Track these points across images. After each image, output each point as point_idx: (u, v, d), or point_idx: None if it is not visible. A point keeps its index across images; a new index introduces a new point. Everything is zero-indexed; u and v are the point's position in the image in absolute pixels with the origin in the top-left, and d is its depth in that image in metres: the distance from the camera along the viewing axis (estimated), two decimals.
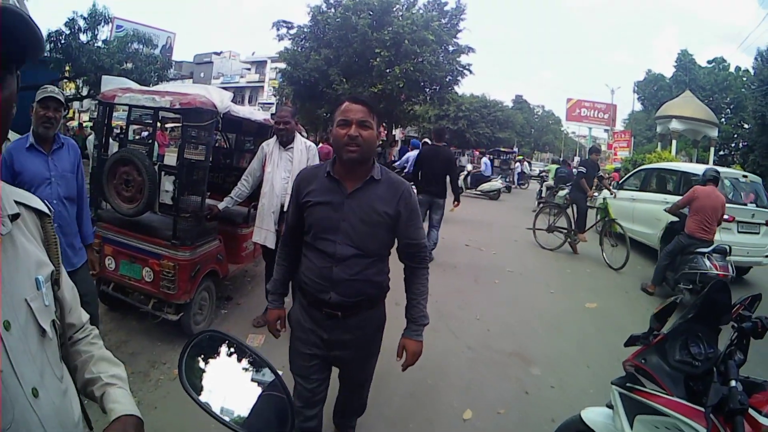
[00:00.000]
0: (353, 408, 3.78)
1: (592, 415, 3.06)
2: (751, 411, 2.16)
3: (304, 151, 5.59)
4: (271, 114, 7.63)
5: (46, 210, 1.47)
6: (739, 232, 10.29)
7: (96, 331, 1.71)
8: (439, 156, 9.59)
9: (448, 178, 9.69)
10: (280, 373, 1.47)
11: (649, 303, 7.90)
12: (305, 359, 3.05)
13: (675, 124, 29.09)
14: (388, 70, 26.40)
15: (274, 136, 5.59)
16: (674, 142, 30.02)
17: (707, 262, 7.84)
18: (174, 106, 5.00)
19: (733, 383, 2.19)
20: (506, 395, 4.98)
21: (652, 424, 2.46)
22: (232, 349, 1.55)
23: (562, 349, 6.17)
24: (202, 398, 1.45)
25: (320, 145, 12.79)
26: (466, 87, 49.27)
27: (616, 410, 2.73)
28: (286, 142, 5.52)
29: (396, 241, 2.98)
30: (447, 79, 29.80)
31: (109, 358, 1.67)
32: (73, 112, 33.37)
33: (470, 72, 29.79)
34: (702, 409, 2.23)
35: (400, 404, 4.63)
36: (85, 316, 1.67)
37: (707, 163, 29.99)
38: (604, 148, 49.93)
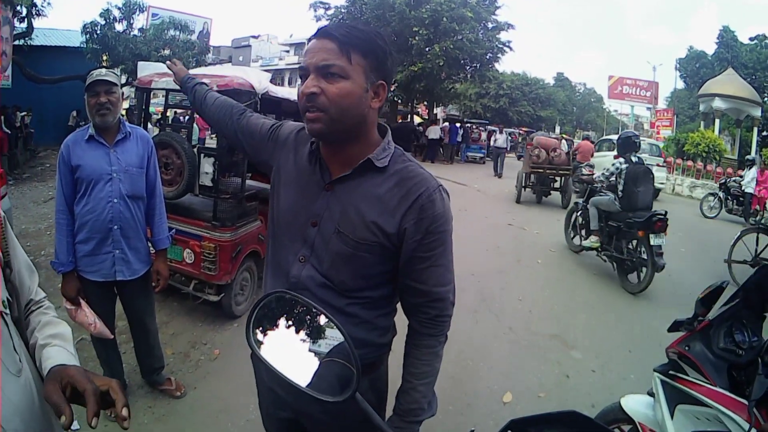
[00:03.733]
0: None
1: (632, 403, 3.01)
2: None
3: None
4: None
5: None
6: None
7: (48, 302, 1.63)
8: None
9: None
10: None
11: (692, 286, 7.71)
12: (273, 424, 2.12)
13: (718, 103, 28.55)
14: (427, 49, 26.30)
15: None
16: (717, 121, 29.46)
17: None
18: (212, 88, 4.99)
19: None
20: (547, 379, 4.95)
21: (693, 415, 2.41)
22: (302, 310, 1.45)
23: (603, 333, 6.10)
24: (268, 358, 1.41)
25: None
26: (506, 64, 48.71)
27: (657, 399, 2.67)
28: None
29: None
30: (487, 57, 29.58)
31: (54, 321, 1.56)
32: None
33: (510, 49, 29.55)
34: (745, 402, 2.17)
35: (440, 386, 4.55)
36: (42, 293, 1.61)
37: (750, 143, 29.65)
38: (646, 126, 49.12)
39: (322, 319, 1.40)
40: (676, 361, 2.62)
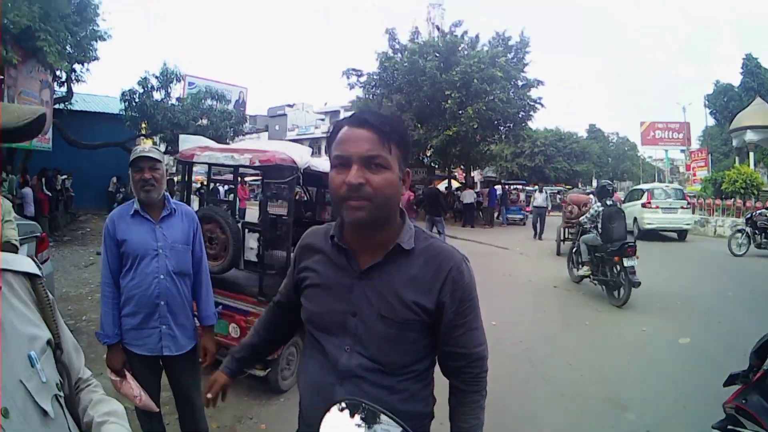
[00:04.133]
0: None
1: None
2: None
3: None
4: None
5: (36, 271, 1.39)
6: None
7: (95, 381, 1.65)
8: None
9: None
10: None
11: (745, 334, 7.49)
12: None
13: (750, 135, 28.34)
14: (460, 112, 26.57)
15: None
16: (751, 154, 29.15)
17: None
18: (254, 164, 5.10)
19: None
20: None
21: None
22: (369, 414, 1.40)
23: (657, 391, 5.95)
24: None
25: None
26: (538, 122, 49.21)
27: None
28: None
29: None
30: (520, 115, 29.77)
31: (105, 399, 1.60)
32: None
33: (542, 105, 29.81)
34: None
35: None
36: (88, 372, 1.62)
37: None
38: (682, 169, 48.77)
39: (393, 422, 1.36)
40: (734, 416, 2.55)
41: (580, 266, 11.67)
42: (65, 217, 18.76)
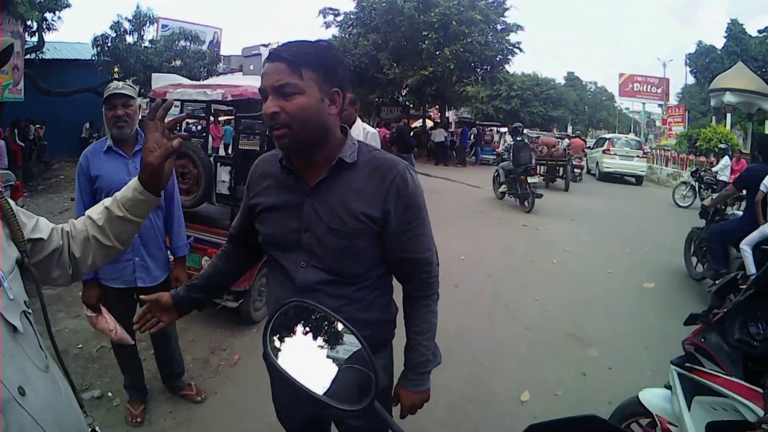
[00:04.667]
0: None
1: (650, 396, 3.03)
2: None
3: (361, 136, 5.29)
4: None
5: None
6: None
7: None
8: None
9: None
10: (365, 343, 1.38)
11: (708, 282, 7.72)
12: (291, 415, 2.27)
13: (729, 97, 28.34)
14: (437, 52, 26.30)
15: (360, 124, 5.39)
16: (729, 115, 29.29)
17: None
18: (226, 98, 5.07)
19: None
20: (564, 377, 4.97)
21: (711, 406, 2.43)
22: (319, 318, 1.48)
23: (619, 330, 6.12)
24: (285, 366, 1.43)
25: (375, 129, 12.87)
26: (516, 65, 48.94)
27: (674, 391, 2.69)
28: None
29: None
30: (497, 59, 29.53)
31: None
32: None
33: (520, 50, 29.51)
34: (760, 390, 2.20)
35: (458, 387, 4.65)
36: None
37: None
38: (658, 123, 48.90)
39: (339, 326, 1.43)
40: (693, 354, 2.63)
41: (501, 185, 15.78)
42: (39, 167, 18.50)
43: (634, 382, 4.56)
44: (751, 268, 6.04)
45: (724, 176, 16.75)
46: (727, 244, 6.96)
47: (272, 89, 1.70)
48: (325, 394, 1.35)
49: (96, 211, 1.69)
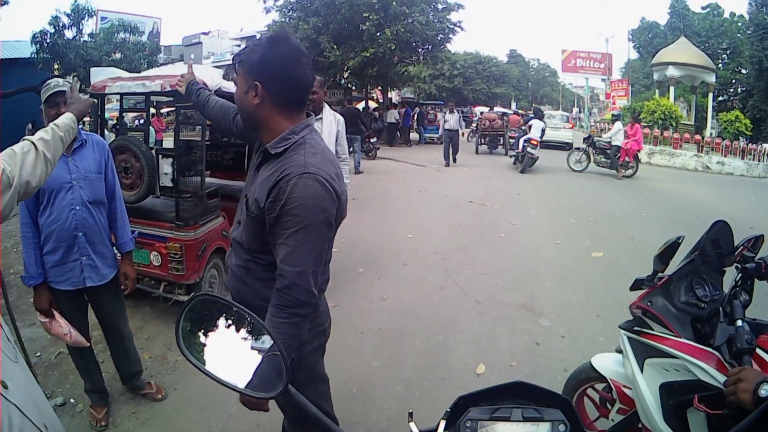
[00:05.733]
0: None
1: (603, 361, 3.09)
2: (758, 351, 2.18)
3: (333, 122, 5.43)
4: None
5: None
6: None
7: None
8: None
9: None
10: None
11: (655, 250, 7.80)
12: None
13: (672, 71, 29.08)
14: (378, 34, 26.16)
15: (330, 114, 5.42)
16: (672, 88, 29.97)
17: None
18: (165, 89, 4.97)
19: (739, 323, 2.22)
20: (517, 348, 5.05)
21: (662, 367, 2.49)
22: (226, 311, 1.50)
23: (570, 300, 6.23)
24: (202, 362, 1.44)
25: None
26: (458, 45, 49.20)
27: (625, 354, 2.75)
28: (314, 113, 5.30)
29: None
30: (438, 38, 29.51)
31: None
32: None
33: (461, 29, 29.52)
34: (710, 350, 2.27)
35: (414, 363, 4.71)
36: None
37: (706, 109, 30.66)
38: (602, 97, 49.68)
39: (243, 315, 1.45)
40: (641, 317, 2.69)
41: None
42: None
43: (588, 349, 4.67)
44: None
45: (618, 141, 17.58)
46: None
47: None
48: (247, 385, 1.37)
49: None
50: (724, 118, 29.73)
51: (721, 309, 2.36)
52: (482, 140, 26.22)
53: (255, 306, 1.82)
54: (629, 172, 17.87)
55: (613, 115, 22.75)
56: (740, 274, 2.48)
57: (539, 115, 19.68)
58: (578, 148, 19.42)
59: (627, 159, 17.69)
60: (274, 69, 2.06)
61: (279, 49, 2.09)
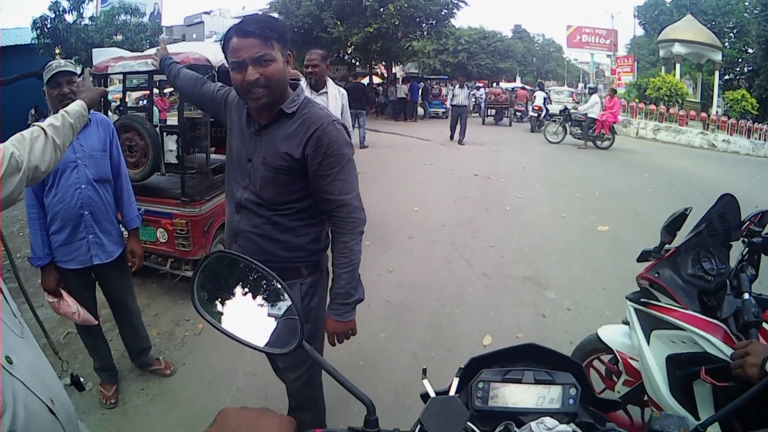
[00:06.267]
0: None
1: (609, 332, 3.10)
2: (765, 325, 2.19)
3: (338, 96, 5.41)
4: None
5: None
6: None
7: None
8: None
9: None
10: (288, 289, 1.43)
11: (660, 224, 7.77)
12: None
13: (678, 48, 28.81)
14: (381, 9, 25.97)
15: (303, 81, 5.29)
16: (678, 65, 29.71)
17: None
18: (182, 66, 4.96)
19: (746, 296, 2.23)
20: (524, 319, 5.07)
21: (668, 339, 2.49)
22: (243, 268, 1.52)
23: (576, 273, 6.23)
24: (217, 321, 1.45)
25: None
26: (462, 20, 48.93)
27: (632, 326, 2.76)
28: (317, 86, 5.31)
29: None
30: (442, 13, 29.30)
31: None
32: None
33: (465, 3, 29.37)
34: (717, 323, 2.27)
35: (420, 335, 4.73)
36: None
37: (712, 87, 30.30)
38: (607, 73, 49.30)
39: (260, 272, 1.45)
40: (648, 289, 2.69)
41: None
42: None
43: (594, 321, 4.68)
44: None
45: (594, 113, 18.04)
46: None
47: (252, 60, 2.13)
48: (266, 344, 1.39)
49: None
50: (731, 97, 29.68)
51: (728, 282, 2.36)
52: (488, 112, 28.14)
53: (285, 258, 2.43)
54: (605, 143, 18.29)
55: (589, 88, 25.11)
56: (747, 249, 2.48)
57: (541, 87, 22.95)
58: (554, 121, 20.15)
59: (603, 131, 18.05)
60: (289, 39, 2.30)
61: (284, 23, 2.44)
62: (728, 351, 2.13)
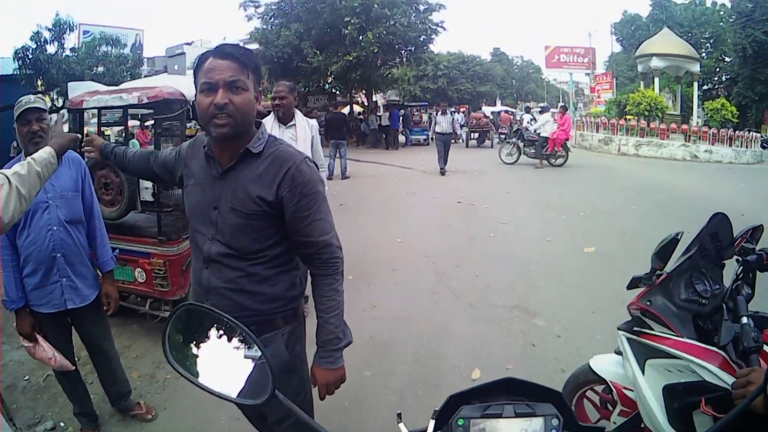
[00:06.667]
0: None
1: (602, 363, 3.02)
2: (766, 347, 2.11)
3: (307, 127, 5.36)
4: None
5: None
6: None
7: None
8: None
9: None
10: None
11: (647, 242, 7.74)
12: None
13: (656, 62, 29.24)
14: (360, 37, 26.35)
15: (270, 114, 5.34)
16: (656, 79, 30.14)
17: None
18: (142, 101, 4.92)
19: (744, 320, 2.14)
20: (513, 350, 4.98)
21: (664, 368, 2.40)
22: (212, 320, 1.50)
23: (564, 297, 6.16)
24: (193, 373, 1.44)
25: None
26: (441, 45, 49.76)
27: (625, 356, 2.66)
28: (285, 119, 5.27)
29: None
30: (421, 39, 29.83)
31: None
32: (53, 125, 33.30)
33: (443, 29, 29.91)
34: (714, 349, 2.19)
35: (406, 372, 4.62)
36: None
37: (692, 98, 30.86)
38: (587, 91, 49.93)
39: (230, 324, 1.45)
40: (640, 317, 2.60)
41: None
42: None
43: (585, 347, 4.63)
44: None
45: (546, 132, 18.46)
46: None
47: (224, 83, 2.01)
48: (239, 395, 1.38)
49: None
50: (710, 107, 30.03)
51: (724, 306, 2.29)
52: (471, 136, 29.80)
53: (263, 311, 2.27)
54: (559, 161, 18.74)
55: (541, 107, 25.14)
56: (741, 267, 2.42)
57: (527, 111, 23.31)
58: (509, 142, 20.74)
59: (556, 149, 18.41)
60: (261, 78, 2.26)
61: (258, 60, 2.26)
62: (728, 379, 2.05)
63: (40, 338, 3.38)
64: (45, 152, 2.38)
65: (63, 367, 3.45)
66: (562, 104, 22.19)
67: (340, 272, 2.31)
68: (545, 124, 18.58)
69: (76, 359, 3.68)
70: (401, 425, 1.27)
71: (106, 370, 3.89)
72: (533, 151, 18.93)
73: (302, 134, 5.24)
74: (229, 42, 2.66)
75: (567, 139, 18.77)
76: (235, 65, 2.04)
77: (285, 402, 1.31)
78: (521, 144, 19.59)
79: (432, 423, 1.26)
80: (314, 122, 5.58)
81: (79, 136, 3.27)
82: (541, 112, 21.70)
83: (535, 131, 19.25)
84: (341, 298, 2.29)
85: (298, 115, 5.35)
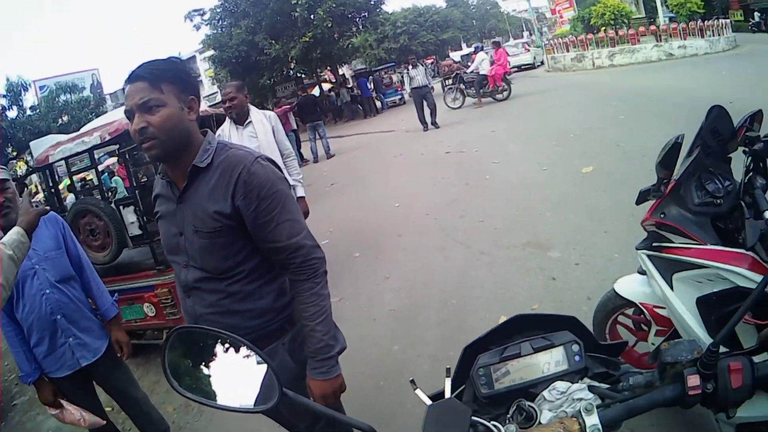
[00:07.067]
0: None
1: (627, 285, 2.92)
2: None
3: (265, 121, 5.27)
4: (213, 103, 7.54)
5: None
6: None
7: None
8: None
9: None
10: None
11: (646, 153, 7.43)
12: None
13: None
14: (312, 16, 26.43)
15: (226, 119, 5.32)
16: None
17: None
18: (105, 139, 4.92)
19: (767, 215, 2.03)
20: (534, 288, 4.91)
21: (693, 280, 2.31)
22: (206, 337, 1.48)
23: (573, 224, 6.07)
24: (200, 395, 1.39)
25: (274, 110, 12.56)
26: (394, 3, 49.64)
27: (650, 275, 2.57)
28: (240, 119, 5.21)
29: None
30: (372, 3, 29.81)
31: None
32: (35, 186, 33.37)
33: None
34: (740, 251, 2.09)
35: (434, 336, 4.57)
36: None
37: (655, 5, 30.30)
38: (548, 15, 49.59)
39: (224, 338, 1.43)
40: (656, 232, 2.52)
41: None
42: None
43: (606, 269, 4.59)
44: None
45: (483, 70, 18.82)
46: None
47: (137, 107, 1.91)
48: (255, 404, 1.35)
49: None
50: (674, 2, 29.80)
51: (742, 203, 2.17)
52: (446, 83, 26.80)
53: (255, 327, 2.15)
54: (504, 94, 18.96)
55: (475, 47, 24.84)
56: (750, 158, 2.29)
57: (498, 45, 20.14)
58: (450, 88, 21.06)
59: (497, 84, 18.75)
60: (196, 83, 2.14)
61: (185, 64, 2.18)
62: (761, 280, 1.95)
63: (64, 402, 3.33)
64: (14, 233, 2.34)
65: (94, 424, 3.40)
66: (494, 40, 23.32)
67: (321, 274, 2.14)
68: (482, 62, 18.87)
69: (107, 409, 3.66)
70: (418, 391, 1.25)
71: (139, 414, 3.84)
72: (473, 90, 19.50)
73: (261, 129, 5.18)
74: (175, 56, 2.55)
75: (507, 72, 19.14)
76: (143, 85, 1.93)
77: (296, 398, 1.28)
78: (463, 87, 20.04)
79: (448, 381, 1.26)
80: (272, 113, 5.53)
81: (48, 208, 3.18)
82: (475, 53, 21.84)
83: (473, 72, 19.53)
84: (325, 302, 2.13)
85: (253, 111, 5.30)
